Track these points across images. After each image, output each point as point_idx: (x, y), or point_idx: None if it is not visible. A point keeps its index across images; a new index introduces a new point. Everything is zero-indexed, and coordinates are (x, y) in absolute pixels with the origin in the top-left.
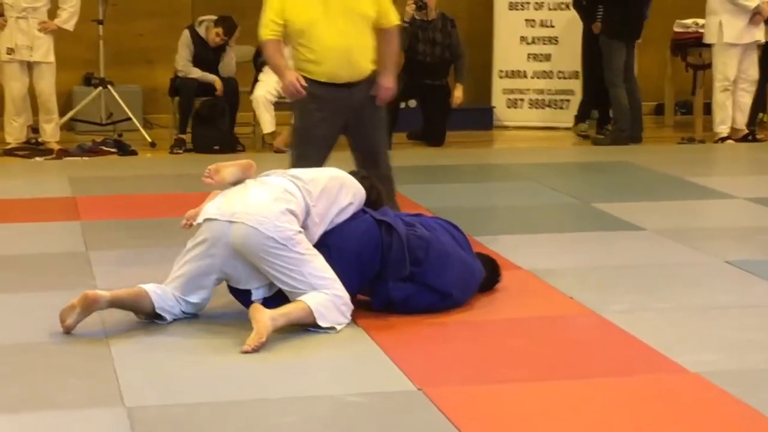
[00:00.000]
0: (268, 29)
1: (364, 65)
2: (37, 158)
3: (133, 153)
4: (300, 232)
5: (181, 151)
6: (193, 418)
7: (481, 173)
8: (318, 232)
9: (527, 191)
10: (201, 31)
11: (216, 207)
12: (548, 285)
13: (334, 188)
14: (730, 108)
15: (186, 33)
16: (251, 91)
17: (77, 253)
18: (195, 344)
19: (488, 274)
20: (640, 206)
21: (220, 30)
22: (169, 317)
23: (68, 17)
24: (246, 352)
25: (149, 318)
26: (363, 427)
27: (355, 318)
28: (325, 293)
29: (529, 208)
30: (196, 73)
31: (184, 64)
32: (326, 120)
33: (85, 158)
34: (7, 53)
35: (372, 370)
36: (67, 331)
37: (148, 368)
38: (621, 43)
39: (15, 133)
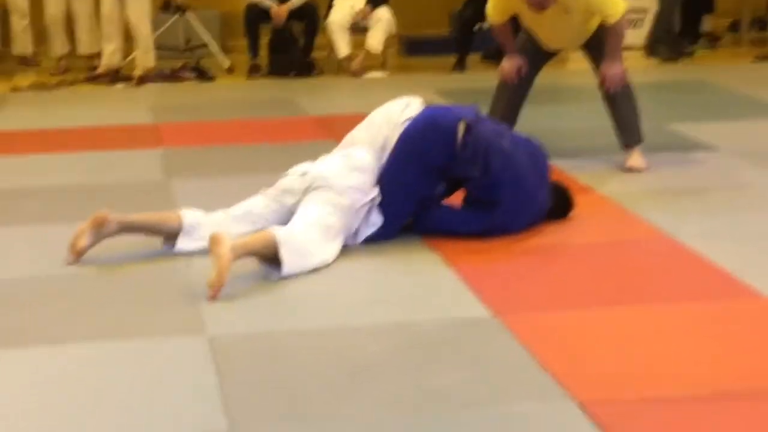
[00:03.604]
0: None
1: None
2: (118, 85)
3: (212, 78)
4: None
5: (257, 76)
6: (271, 346)
7: (555, 94)
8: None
9: (601, 113)
10: None
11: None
12: (622, 208)
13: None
14: None
15: None
16: (326, 16)
17: (159, 181)
18: (272, 272)
19: (560, 204)
20: (715, 127)
21: None
22: (193, 244)
23: None
24: (213, 297)
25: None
26: (441, 353)
27: (429, 245)
28: (296, 227)
29: (603, 129)
30: None
31: None
32: None
33: (164, 84)
34: None
35: (446, 296)
36: (78, 254)
37: (228, 296)
38: None
39: (106, 58)
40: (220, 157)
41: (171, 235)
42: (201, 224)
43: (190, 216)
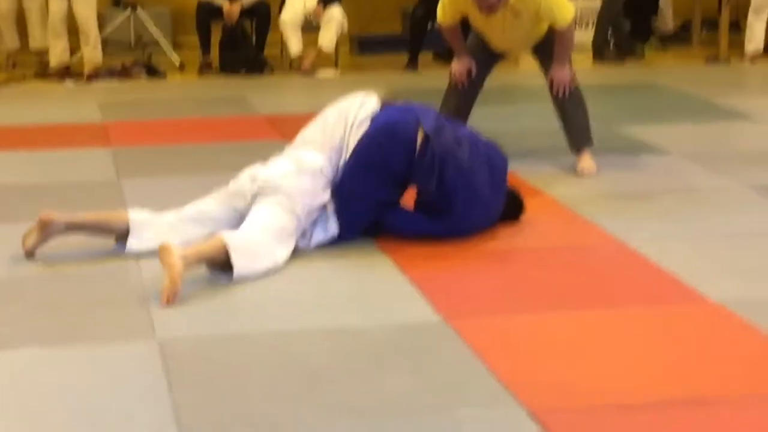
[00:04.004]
0: None
1: None
2: (68, 81)
3: (162, 75)
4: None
5: (209, 73)
6: (221, 349)
7: (506, 95)
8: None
9: (552, 114)
10: None
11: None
12: (572, 212)
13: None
14: (760, 30)
15: None
16: (279, 14)
17: (108, 181)
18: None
19: (511, 207)
20: (666, 129)
21: None
22: (142, 244)
23: None
24: (166, 305)
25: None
26: (387, 357)
27: (380, 248)
28: (246, 232)
29: (553, 132)
30: None
31: None
32: None
33: (114, 82)
34: None
35: (396, 300)
36: (28, 254)
37: (181, 299)
38: None
39: (56, 56)
40: (171, 156)
41: (120, 235)
42: (150, 224)
43: (137, 216)
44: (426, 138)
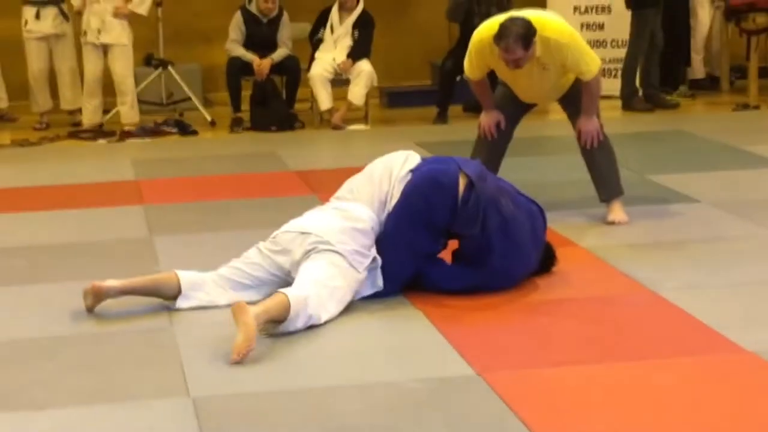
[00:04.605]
0: None
1: None
2: (101, 140)
3: (194, 133)
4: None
5: (239, 130)
6: (256, 407)
7: (536, 146)
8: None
9: (581, 165)
10: (252, 8)
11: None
12: (603, 262)
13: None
14: None
15: (237, 14)
16: (308, 69)
17: (141, 238)
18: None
19: (543, 258)
20: (695, 177)
21: None
22: (190, 303)
23: (140, 1)
24: (237, 360)
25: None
26: (424, 413)
27: (413, 302)
28: (307, 288)
29: (583, 182)
30: (238, 52)
31: (229, 43)
32: None
33: (147, 139)
34: (82, 35)
35: (431, 355)
36: (88, 310)
37: (212, 357)
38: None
39: (89, 115)
40: (202, 212)
41: (171, 296)
42: (200, 284)
43: (186, 277)
44: (469, 183)
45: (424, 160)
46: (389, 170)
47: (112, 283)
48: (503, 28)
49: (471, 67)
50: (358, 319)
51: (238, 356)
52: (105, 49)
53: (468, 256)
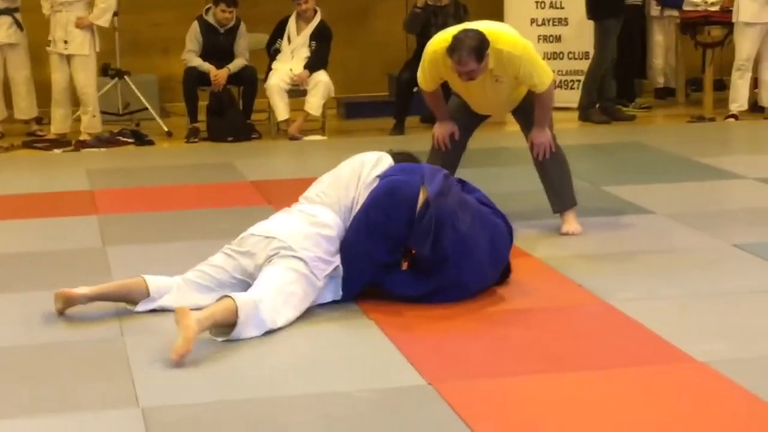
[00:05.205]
0: None
1: None
2: (56, 150)
3: (150, 143)
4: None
5: (196, 140)
6: (205, 417)
7: (492, 157)
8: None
9: (536, 176)
10: (210, 18)
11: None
12: (557, 272)
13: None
14: (743, 87)
15: (194, 24)
16: (265, 79)
17: (94, 248)
18: (206, 342)
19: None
20: (650, 188)
21: (223, 6)
22: (152, 306)
23: (100, 13)
24: (176, 361)
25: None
26: (373, 423)
27: (365, 311)
28: (260, 293)
29: (538, 193)
30: (195, 62)
31: (186, 53)
32: None
33: (102, 149)
34: (47, 45)
35: (381, 364)
36: (58, 313)
37: (163, 366)
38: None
39: (57, 124)
40: (157, 222)
41: (138, 301)
42: (165, 289)
43: (154, 282)
44: (426, 202)
45: (393, 167)
46: (357, 174)
47: (82, 290)
48: (456, 40)
49: (424, 78)
50: (310, 328)
51: (177, 357)
52: (69, 58)
53: (422, 265)
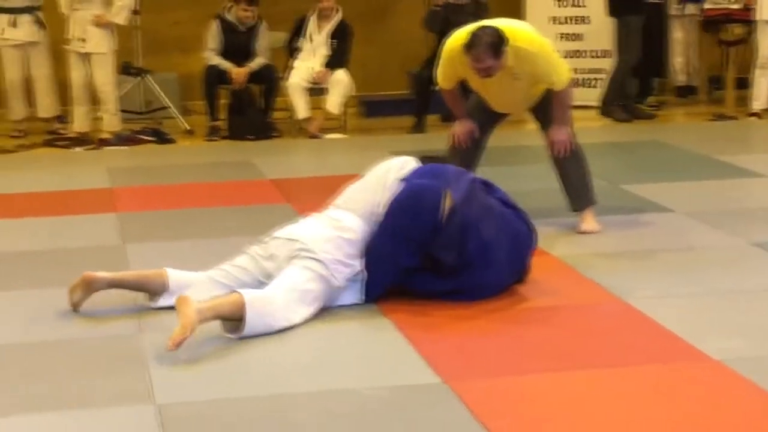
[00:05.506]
0: None
1: None
2: (77, 148)
3: (171, 141)
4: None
5: (216, 139)
6: (221, 414)
7: (511, 155)
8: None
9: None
10: (230, 16)
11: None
12: (575, 271)
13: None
14: (765, 85)
15: (214, 23)
16: (285, 78)
17: (114, 246)
18: (221, 339)
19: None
20: (669, 187)
21: (244, 4)
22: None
23: (118, 11)
24: (171, 349)
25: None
26: (385, 421)
27: (383, 312)
28: (273, 290)
29: (557, 191)
30: (215, 60)
31: (207, 52)
32: None
33: (123, 148)
34: (65, 44)
35: (397, 363)
36: (74, 308)
37: (179, 363)
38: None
39: (79, 122)
40: (176, 220)
41: (157, 292)
42: (186, 284)
43: (175, 276)
44: (452, 207)
45: (415, 170)
46: (383, 180)
47: (103, 274)
48: (474, 37)
49: (442, 76)
50: (327, 327)
51: (172, 345)
52: (87, 57)
53: (445, 269)
